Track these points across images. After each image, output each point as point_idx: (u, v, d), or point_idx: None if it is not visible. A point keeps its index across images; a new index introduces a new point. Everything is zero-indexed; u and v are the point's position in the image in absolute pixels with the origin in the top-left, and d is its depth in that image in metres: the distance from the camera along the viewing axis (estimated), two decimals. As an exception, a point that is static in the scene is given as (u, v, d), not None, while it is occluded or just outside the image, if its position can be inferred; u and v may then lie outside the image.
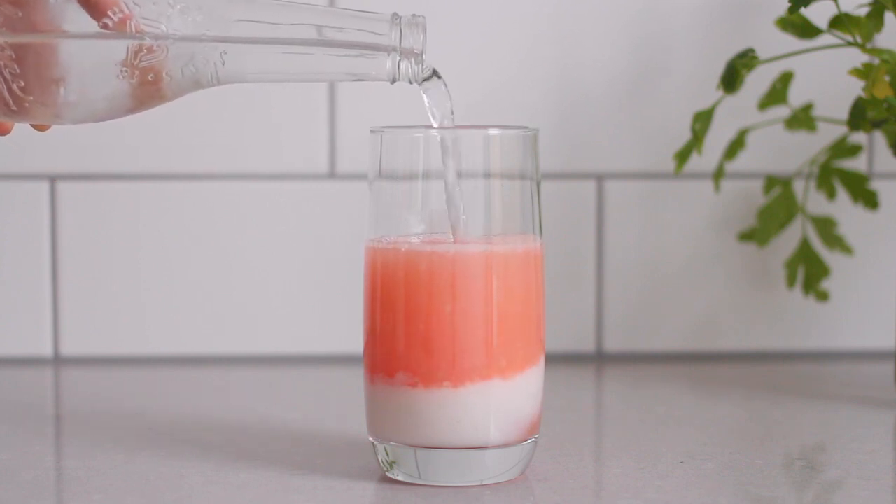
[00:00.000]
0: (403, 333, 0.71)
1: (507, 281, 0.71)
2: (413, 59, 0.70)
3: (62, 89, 0.68)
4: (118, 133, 1.03)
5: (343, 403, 0.91)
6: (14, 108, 0.68)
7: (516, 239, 0.72)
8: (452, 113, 0.72)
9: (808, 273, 1.02)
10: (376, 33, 0.70)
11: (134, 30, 0.68)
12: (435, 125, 0.72)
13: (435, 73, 0.71)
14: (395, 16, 0.70)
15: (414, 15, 0.70)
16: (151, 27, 0.68)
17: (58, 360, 1.04)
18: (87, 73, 0.68)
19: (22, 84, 0.68)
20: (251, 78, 0.70)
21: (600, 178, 1.05)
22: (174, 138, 1.03)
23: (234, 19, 0.69)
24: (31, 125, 0.72)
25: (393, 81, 0.71)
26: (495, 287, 0.71)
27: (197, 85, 0.70)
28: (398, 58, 0.70)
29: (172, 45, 0.68)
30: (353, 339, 0.95)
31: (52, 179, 1.03)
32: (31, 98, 0.68)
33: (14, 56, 0.67)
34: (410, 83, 0.71)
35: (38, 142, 1.03)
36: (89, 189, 1.04)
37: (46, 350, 1.04)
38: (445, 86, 0.72)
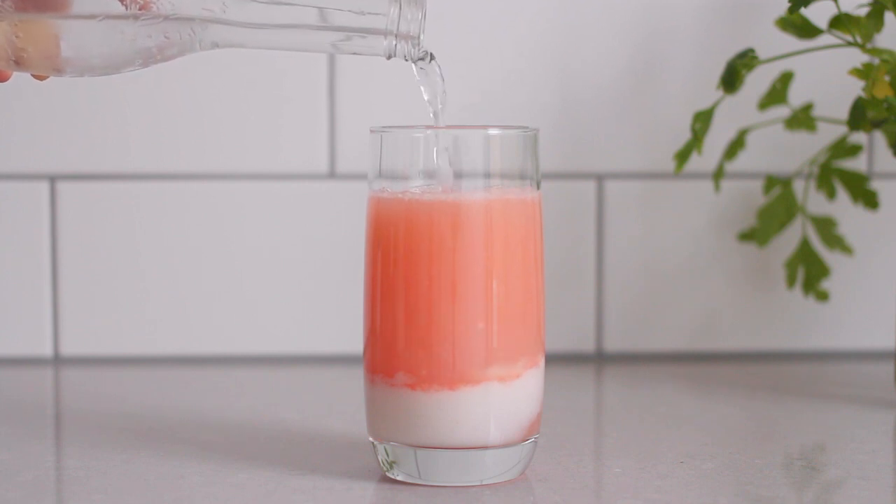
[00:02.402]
0: (403, 298, 0.71)
1: (507, 228, 0.71)
2: (410, 42, 0.70)
3: (60, 44, 0.68)
4: (118, 133, 1.03)
5: (343, 403, 0.91)
6: (12, 57, 0.69)
7: (515, 190, 0.72)
8: (444, 93, 0.73)
9: (808, 273, 1.02)
10: (375, 13, 0.70)
11: None
12: (426, 98, 0.72)
13: (429, 55, 0.72)
14: None
15: None
16: None
17: (58, 360, 1.04)
18: (86, 29, 0.68)
19: (20, 35, 0.68)
20: (250, 46, 0.71)
21: (600, 178, 1.05)
22: (174, 138, 1.03)
23: None
24: (31, 74, 0.72)
25: (389, 58, 0.71)
26: (495, 233, 0.71)
27: (194, 48, 0.70)
28: (395, 41, 0.70)
29: (170, 14, 0.68)
30: (353, 339, 0.95)
31: (52, 179, 1.03)
32: (30, 48, 0.68)
33: (13, 7, 0.67)
34: (405, 60, 0.71)
35: (38, 142, 1.03)
36: (89, 189, 1.03)
37: (46, 350, 1.04)
38: (439, 67, 0.72)
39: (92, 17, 0.68)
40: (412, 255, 0.71)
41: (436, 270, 0.71)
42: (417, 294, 0.71)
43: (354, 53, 0.71)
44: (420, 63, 0.72)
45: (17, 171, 1.03)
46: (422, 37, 0.71)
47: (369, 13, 0.70)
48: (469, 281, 0.71)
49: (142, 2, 0.68)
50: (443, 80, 0.72)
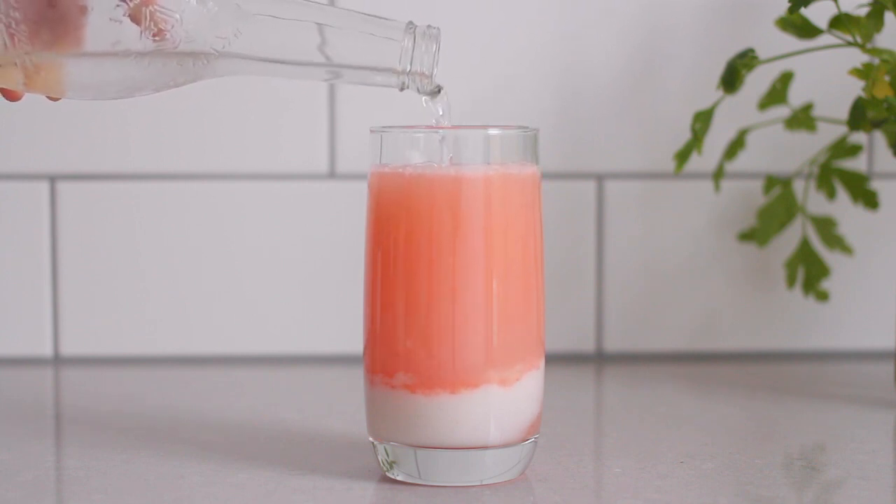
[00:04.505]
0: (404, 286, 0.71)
1: (507, 203, 0.71)
2: (422, 77, 0.70)
3: (73, 70, 0.68)
4: (118, 133, 1.03)
5: (343, 403, 0.91)
6: (23, 81, 0.69)
7: (516, 166, 0.72)
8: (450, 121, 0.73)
9: (808, 273, 1.02)
10: (391, 47, 0.70)
11: (150, 17, 0.68)
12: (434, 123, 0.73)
13: (440, 90, 0.72)
14: (409, 24, 0.70)
15: (429, 26, 0.70)
16: (167, 15, 0.68)
17: (58, 360, 1.04)
18: (100, 58, 0.68)
19: (35, 60, 0.68)
20: (261, 74, 0.71)
21: (600, 178, 1.05)
22: (174, 138, 1.03)
23: (251, 13, 0.69)
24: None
25: (402, 89, 0.71)
26: (495, 209, 0.71)
27: (206, 76, 0.70)
28: (407, 80, 0.70)
29: (183, 42, 0.68)
30: (353, 339, 0.95)
31: (52, 179, 1.03)
32: (42, 73, 0.68)
33: (28, 33, 0.68)
34: (418, 92, 0.71)
35: (38, 142, 1.03)
36: (89, 189, 1.04)
37: (46, 350, 1.04)
38: (447, 96, 0.72)
39: (106, 49, 0.68)
40: (412, 231, 0.71)
41: (436, 248, 0.70)
42: (417, 277, 0.71)
43: (368, 85, 0.71)
44: (431, 96, 0.72)
45: (17, 171, 1.03)
46: (435, 71, 0.70)
47: (384, 47, 0.70)
48: (469, 269, 0.70)
49: (155, 29, 0.68)
50: (450, 112, 0.72)
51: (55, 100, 0.73)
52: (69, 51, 0.68)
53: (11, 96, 0.72)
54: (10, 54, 0.68)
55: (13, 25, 0.67)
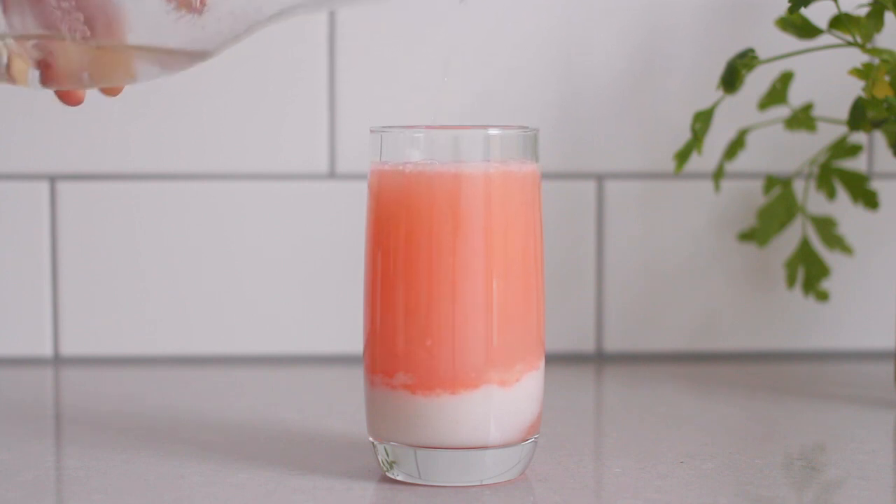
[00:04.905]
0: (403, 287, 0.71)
1: (507, 199, 0.71)
2: None
3: (135, 55, 0.69)
4: (118, 133, 1.03)
5: (343, 403, 0.91)
6: (91, 67, 0.69)
7: (516, 163, 0.72)
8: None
9: (808, 273, 1.02)
10: None
11: None
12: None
13: None
14: None
15: None
16: None
17: (58, 360, 1.04)
18: (158, 24, 0.68)
19: (96, 44, 0.68)
20: (308, 12, 0.71)
21: (600, 178, 1.05)
22: (174, 138, 1.03)
23: None
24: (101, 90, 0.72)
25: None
26: (494, 205, 0.71)
27: (261, 21, 0.70)
28: None
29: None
30: (353, 339, 0.95)
31: (52, 179, 1.03)
32: (108, 56, 0.69)
33: (85, 18, 0.68)
34: None
35: (38, 142, 1.03)
36: (89, 189, 1.03)
37: (46, 350, 1.04)
38: None
39: (162, 19, 0.68)
40: (412, 230, 0.71)
41: (436, 248, 0.70)
42: (417, 277, 0.71)
43: None
44: None
45: (17, 171, 1.03)
46: None
47: None
48: (469, 268, 0.70)
49: None
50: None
51: (115, 94, 0.73)
52: (128, 28, 0.68)
53: (72, 99, 0.72)
54: (72, 41, 0.68)
55: (69, 15, 0.68)
